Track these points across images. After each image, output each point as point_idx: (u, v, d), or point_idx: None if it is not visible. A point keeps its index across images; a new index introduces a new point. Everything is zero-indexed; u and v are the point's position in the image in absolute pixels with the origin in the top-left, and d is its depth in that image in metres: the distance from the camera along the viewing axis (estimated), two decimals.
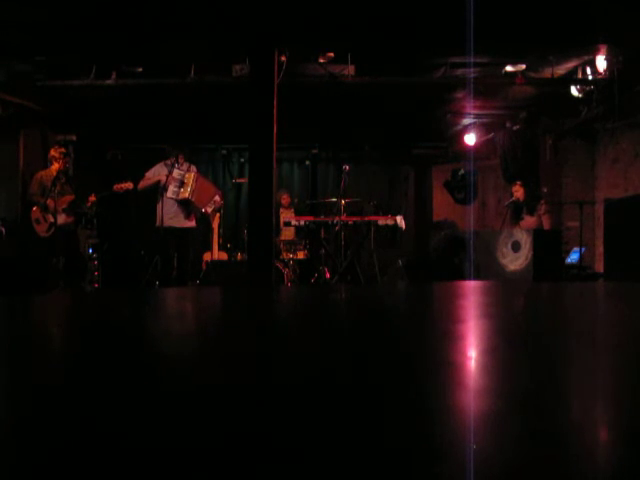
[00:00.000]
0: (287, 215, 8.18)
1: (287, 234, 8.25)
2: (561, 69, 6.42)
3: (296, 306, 2.10)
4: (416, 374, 0.80)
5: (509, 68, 6.38)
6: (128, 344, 1.07)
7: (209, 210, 6.36)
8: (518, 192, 6.90)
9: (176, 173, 6.05)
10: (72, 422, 0.56)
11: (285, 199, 8.71)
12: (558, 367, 0.86)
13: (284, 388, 0.71)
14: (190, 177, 6.10)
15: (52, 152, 6.26)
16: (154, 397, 0.66)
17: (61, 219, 6.00)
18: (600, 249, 7.14)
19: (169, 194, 6.00)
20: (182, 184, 6.07)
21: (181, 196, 6.04)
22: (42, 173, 6.24)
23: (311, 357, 0.93)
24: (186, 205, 6.12)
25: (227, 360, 0.91)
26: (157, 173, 6.17)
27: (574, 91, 6.82)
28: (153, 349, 1.03)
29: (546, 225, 6.77)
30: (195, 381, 0.75)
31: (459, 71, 6.39)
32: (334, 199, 7.15)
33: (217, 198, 6.46)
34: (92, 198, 6.21)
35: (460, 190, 9.87)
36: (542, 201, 6.99)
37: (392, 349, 1.01)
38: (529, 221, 6.77)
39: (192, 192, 6.05)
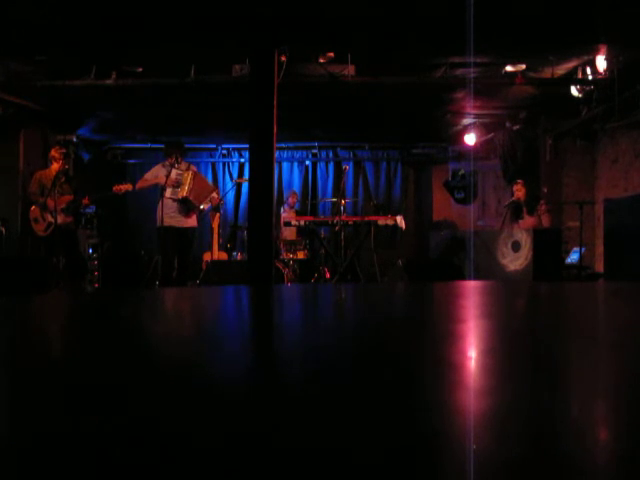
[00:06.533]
0: (289, 215, 8.22)
1: (287, 234, 8.27)
2: (561, 69, 6.43)
3: (296, 305, 2.10)
4: (415, 374, 0.80)
5: (509, 68, 6.39)
6: (128, 345, 1.07)
7: (205, 207, 6.39)
8: (519, 191, 6.90)
9: (174, 173, 6.07)
10: (69, 423, 0.56)
11: (293, 198, 8.86)
12: (558, 367, 0.86)
13: (282, 387, 0.71)
14: (188, 175, 6.13)
15: (53, 152, 6.27)
16: (153, 398, 0.66)
17: (60, 219, 6.01)
18: (600, 249, 7.15)
19: (168, 194, 6.02)
20: (180, 184, 6.09)
21: (179, 195, 6.06)
22: (41, 173, 6.25)
23: (310, 356, 0.93)
24: (185, 204, 6.13)
25: (229, 360, 0.91)
26: (156, 175, 6.20)
27: (574, 91, 6.82)
28: (153, 350, 1.03)
29: (545, 225, 6.77)
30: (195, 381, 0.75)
31: (459, 71, 6.40)
32: (334, 199, 7.14)
33: (214, 195, 6.51)
34: (85, 201, 6.25)
35: (460, 190, 9.88)
36: (542, 201, 7.00)
37: (392, 349, 1.01)
38: (529, 221, 6.77)
39: (190, 190, 6.08)
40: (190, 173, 6.18)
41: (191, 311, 1.86)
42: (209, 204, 6.46)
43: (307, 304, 2.21)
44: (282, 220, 7.48)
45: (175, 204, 6.09)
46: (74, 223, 6.35)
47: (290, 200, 8.89)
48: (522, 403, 0.64)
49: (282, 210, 8.80)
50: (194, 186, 6.13)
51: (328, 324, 1.44)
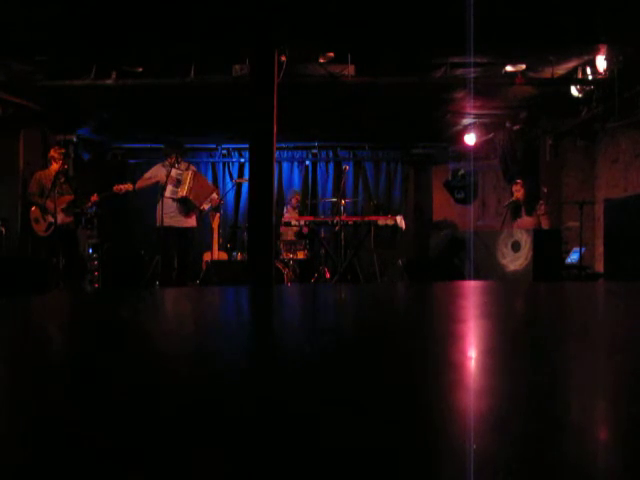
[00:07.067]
0: (292, 216, 8.21)
1: (287, 234, 8.27)
2: (561, 69, 6.42)
3: (296, 305, 2.10)
4: (416, 374, 0.80)
5: (509, 68, 6.38)
6: (128, 344, 1.07)
7: (205, 207, 6.40)
8: (518, 192, 6.90)
9: (174, 173, 6.08)
10: (69, 422, 0.56)
11: (295, 199, 8.85)
12: (558, 367, 0.86)
13: (282, 388, 0.71)
14: (187, 175, 6.13)
15: (52, 152, 6.28)
16: (152, 400, 0.66)
17: (60, 219, 6.01)
18: (600, 249, 7.14)
19: (167, 194, 6.03)
20: (180, 183, 6.10)
21: (179, 195, 6.07)
22: (41, 173, 6.25)
23: (310, 356, 0.93)
24: (185, 204, 6.13)
25: (231, 360, 0.91)
26: (155, 174, 6.21)
27: (574, 91, 6.82)
28: (154, 350, 1.03)
29: (544, 225, 6.76)
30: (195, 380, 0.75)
31: (459, 71, 6.39)
32: (334, 199, 7.13)
33: (214, 196, 6.53)
34: (94, 198, 6.24)
35: (460, 190, 9.87)
36: (541, 201, 6.99)
37: (392, 349, 1.01)
38: (527, 220, 6.77)
39: (190, 190, 6.09)
40: (190, 173, 6.19)
41: (191, 311, 1.86)
42: (209, 204, 6.47)
43: (307, 304, 2.20)
44: (283, 220, 7.47)
45: (175, 204, 6.10)
46: (74, 223, 6.35)
47: (293, 200, 8.85)
48: (521, 403, 0.64)
49: (285, 210, 8.80)
50: (194, 186, 6.14)
51: (328, 324, 1.44)
